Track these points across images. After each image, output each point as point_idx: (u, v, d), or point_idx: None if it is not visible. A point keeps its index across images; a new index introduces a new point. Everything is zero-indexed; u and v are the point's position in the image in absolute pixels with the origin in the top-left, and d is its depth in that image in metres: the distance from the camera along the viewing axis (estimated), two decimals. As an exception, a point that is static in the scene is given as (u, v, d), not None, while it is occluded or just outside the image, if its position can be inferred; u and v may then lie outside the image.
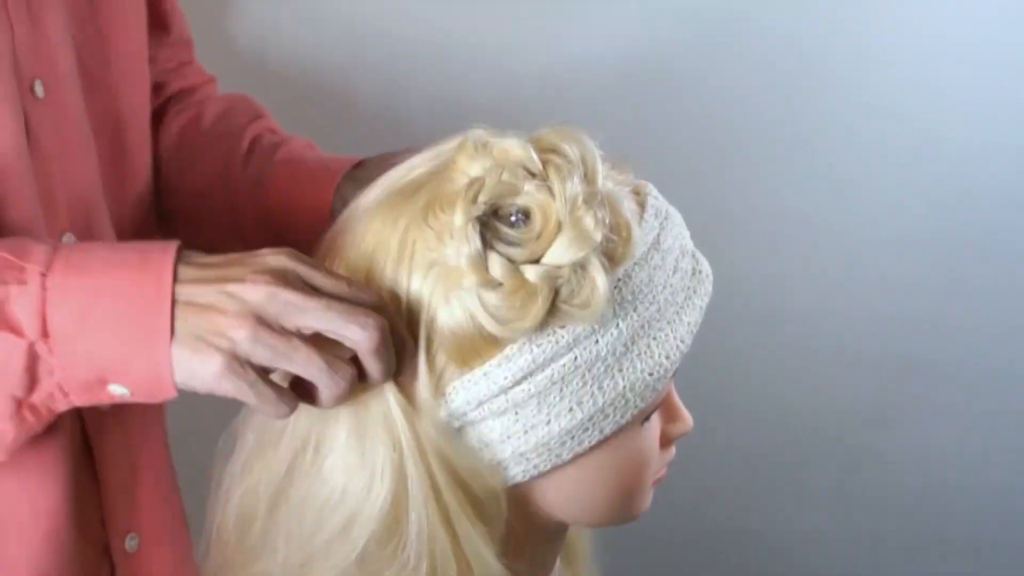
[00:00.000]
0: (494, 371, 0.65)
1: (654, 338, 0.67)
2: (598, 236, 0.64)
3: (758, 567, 1.54)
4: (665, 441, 0.74)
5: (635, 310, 0.66)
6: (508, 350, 0.65)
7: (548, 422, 0.66)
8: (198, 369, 0.62)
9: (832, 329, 1.39)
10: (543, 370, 0.65)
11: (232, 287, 0.62)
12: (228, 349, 0.61)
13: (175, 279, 0.62)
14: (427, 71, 1.21)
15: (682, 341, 0.68)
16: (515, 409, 0.66)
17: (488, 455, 0.68)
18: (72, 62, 0.80)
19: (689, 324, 0.69)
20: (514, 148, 0.65)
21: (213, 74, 1.03)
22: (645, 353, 0.67)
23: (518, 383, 0.65)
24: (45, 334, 0.62)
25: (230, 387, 0.62)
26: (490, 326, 0.63)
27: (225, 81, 1.03)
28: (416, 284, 0.65)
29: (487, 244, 0.63)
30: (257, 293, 0.61)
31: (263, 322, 0.61)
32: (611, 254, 0.65)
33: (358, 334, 0.62)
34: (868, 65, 1.27)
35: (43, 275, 0.62)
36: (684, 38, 1.23)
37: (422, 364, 0.66)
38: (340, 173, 0.90)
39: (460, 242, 0.63)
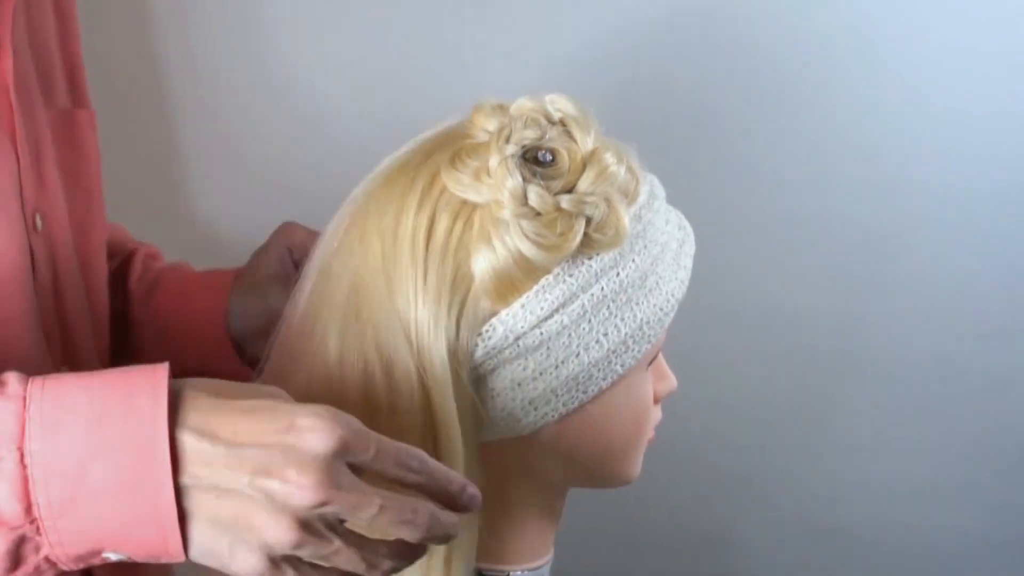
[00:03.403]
0: (531, 302, 0.69)
1: (660, 276, 0.73)
2: (621, 171, 0.71)
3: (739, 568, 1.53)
4: (655, 398, 0.79)
5: (645, 248, 0.72)
6: (544, 281, 0.69)
7: (578, 354, 0.70)
8: (225, 559, 0.56)
9: (833, 329, 1.41)
10: (575, 300, 0.70)
11: (269, 484, 0.55)
12: (264, 549, 0.55)
13: (175, 445, 0.55)
14: (421, 69, 1.23)
15: (682, 282, 0.75)
16: (548, 343, 0.70)
17: (518, 397, 0.71)
18: (61, 197, 0.81)
19: (685, 268, 0.76)
20: (529, 103, 0.72)
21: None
22: (655, 289, 0.73)
23: (552, 314, 0.69)
24: (30, 517, 0.55)
25: None
26: (531, 253, 0.68)
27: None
28: (442, 229, 0.69)
29: (523, 179, 0.69)
30: (303, 499, 0.55)
31: (306, 527, 0.55)
32: (626, 191, 0.72)
33: (407, 532, 0.59)
34: (868, 65, 1.29)
35: (19, 449, 0.54)
36: (681, 36, 1.25)
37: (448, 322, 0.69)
38: (229, 279, 0.93)
39: (500, 178, 0.68)
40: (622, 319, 0.71)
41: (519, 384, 0.71)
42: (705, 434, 1.42)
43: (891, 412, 1.46)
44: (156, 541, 0.56)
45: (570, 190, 0.70)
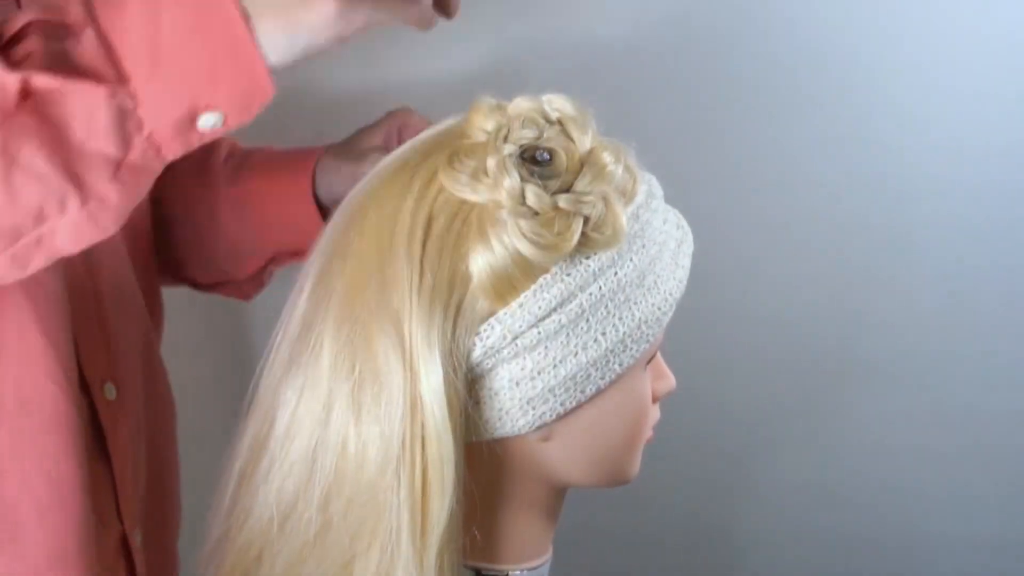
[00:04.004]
0: (529, 301, 0.69)
1: (659, 275, 0.73)
2: (618, 170, 0.71)
3: (739, 564, 1.52)
4: (654, 398, 0.79)
5: (643, 247, 0.72)
6: (542, 280, 0.69)
7: (576, 354, 0.70)
8: (306, 27, 0.59)
9: (835, 328, 1.40)
10: (573, 299, 0.70)
11: None
12: None
13: None
14: (418, 67, 1.22)
15: (680, 281, 0.75)
16: (546, 342, 0.70)
17: (516, 396, 0.71)
18: None
19: (684, 268, 0.76)
20: (526, 102, 0.73)
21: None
22: (653, 288, 0.73)
23: (550, 314, 0.69)
24: (122, 78, 0.58)
25: (361, 15, 0.60)
26: (529, 252, 0.68)
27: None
28: (439, 229, 0.69)
29: (521, 178, 0.69)
30: None
31: None
32: (623, 190, 0.72)
33: None
34: (872, 64, 1.28)
35: (93, 20, 0.58)
36: (681, 36, 1.24)
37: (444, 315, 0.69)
38: (315, 155, 0.94)
39: (498, 178, 0.68)
40: (620, 318, 0.71)
41: (517, 384, 0.71)
42: (705, 434, 1.41)
43: (893, 412, 1.46)
44: (242, 76, 0.59)
45: (568, 189, 0.70)
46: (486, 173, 0.69)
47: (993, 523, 1.52)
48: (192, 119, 0.60)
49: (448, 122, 0.76)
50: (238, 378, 0.77)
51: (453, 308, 0.69)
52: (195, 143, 0.62)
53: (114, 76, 0.58)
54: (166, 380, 0.93)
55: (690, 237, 0.78)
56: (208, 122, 0.61)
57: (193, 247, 0.97)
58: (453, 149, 0.71)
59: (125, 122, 0.59)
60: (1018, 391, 1.45)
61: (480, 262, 0.68)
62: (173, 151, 0.62)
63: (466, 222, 0.69)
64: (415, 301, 0.68)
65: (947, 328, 1.41)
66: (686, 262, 0.76)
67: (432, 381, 0.68)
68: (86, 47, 0.58)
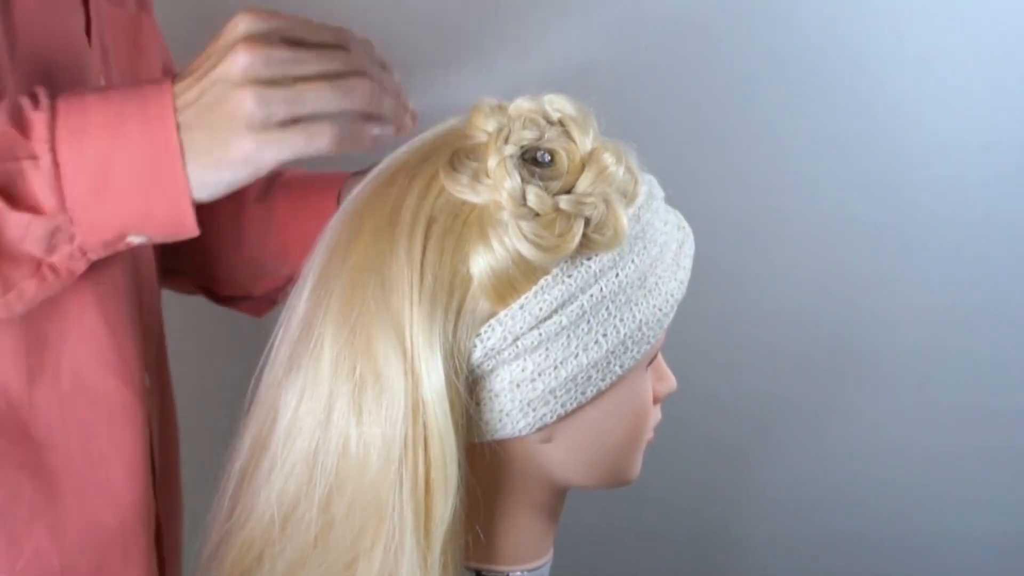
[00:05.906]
0: (530, 303, 0.69)
1: (660, 276, 0.73)
2: (620, 171, 0.71)
3: (736, 565, 1.53)
4: (655, 399, 0.79)
5: (644, 248, 0.72)
6: (543, 282, 0.69)
7: (576, 355, 0.70)
8: (228, 164, 0.64)
9: (835, 328, 1.41)
10: (574, 300, 0.70)
11: (215, 73, 0.64)
12: (245, 125, 0.63)
13: (175, 112, 0.64)
14: (420, 70, 1.23)
15: (681, 283, 0.75)
16: (546, 344, 0.70)
17: (517, 398, 0.71)
18: None
19: (685, 269, 0.76)
20: (527, 103, 0.72)
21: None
22: (654, 289, 0.73)
23: (551, 315, 0.69)
24: (63, 208, 0.63)
25: (271, 153, 0.64)
26: (530, 253, 0.68)
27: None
28: (440, 230, 0.69)
29: (522, 179, 0.68)
30: (239, 62, 0.63)
31: (261, 82, 0.63)
32: (625, 191, 0.72)
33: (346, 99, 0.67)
34: (869, 64, 1.29)
35: (52, 150, 0.63)
36: (682, 36, 1.24)
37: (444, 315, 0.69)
38: (342, 180, 0.94)
39: (499, 179, 0.68)
40: (621, 320, 0.71)
41: (518, 385, 0.70)
42: (706, 434, 1.42)
43: (894, 411, 1.46)
44: (172, 218, 0.66)
45: (569, 191, 0.70)
46: (487, 174, 0.69)
47: (995, 522, 1.52)
48: (121, 238, 0.67)
49: (449, 123, 0.76)
50: (238, 378, 0.77)
51: (454, 309, 0.69)
52: (122, 250, 0.68)
53: (56, 207, 0.63)
54: (169, 373, 0.95)
55: (691, 238, 0.78)
56: (136, 240, 0.67)
57: (216, 257, 0.98)
58: (454, 150, 0.71)
59: (56, 236, 0.65)
60: (1019, 390, 1.45)
61: (481, 263, 0.68)
62: (98, 255, 0.68)
63: (467, 223, 0.69)
64: (416, 303, 0.68)
65: (949, 327, 1.41)
66: (687, 263, 0.76)
67: (434, 382, 0.68)
68: (39, 180, 0.63)
